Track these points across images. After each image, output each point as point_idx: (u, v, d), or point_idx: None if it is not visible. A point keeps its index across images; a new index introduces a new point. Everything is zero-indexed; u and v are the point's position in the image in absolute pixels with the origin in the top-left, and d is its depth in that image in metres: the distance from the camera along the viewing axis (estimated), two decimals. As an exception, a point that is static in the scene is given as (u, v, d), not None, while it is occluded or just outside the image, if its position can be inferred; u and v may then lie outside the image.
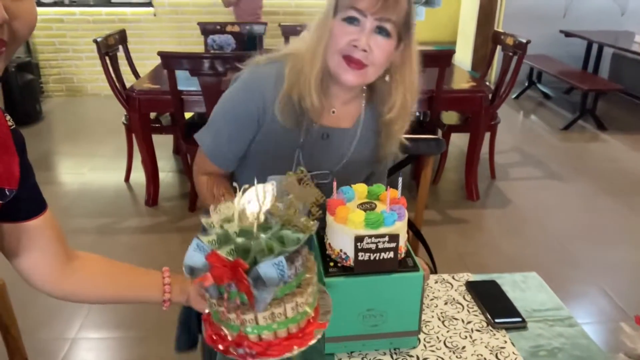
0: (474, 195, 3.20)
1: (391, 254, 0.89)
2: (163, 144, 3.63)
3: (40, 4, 5.08)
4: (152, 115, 3.22)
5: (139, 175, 3.36)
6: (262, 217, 0.71)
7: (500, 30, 3.96)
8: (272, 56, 1.15)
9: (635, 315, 0.88)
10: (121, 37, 3.36)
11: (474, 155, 3.12)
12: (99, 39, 2.98)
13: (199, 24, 3.86)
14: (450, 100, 3.01)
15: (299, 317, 0.72)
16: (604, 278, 2.47)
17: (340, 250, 0.91)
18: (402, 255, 0.93)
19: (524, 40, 3.10)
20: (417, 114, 3.54)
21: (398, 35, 1.05)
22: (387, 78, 1.12)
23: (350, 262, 0.90)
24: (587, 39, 5.13)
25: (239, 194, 0.73)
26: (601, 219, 3.05)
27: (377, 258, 0.89)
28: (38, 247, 0.83)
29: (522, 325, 1.04)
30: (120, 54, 3.35)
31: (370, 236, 0.87)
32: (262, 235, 0.69)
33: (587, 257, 2.66)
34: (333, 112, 1.16)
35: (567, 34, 5.26)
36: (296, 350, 0.72)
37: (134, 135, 3.16)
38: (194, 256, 0.71)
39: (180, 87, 2.73)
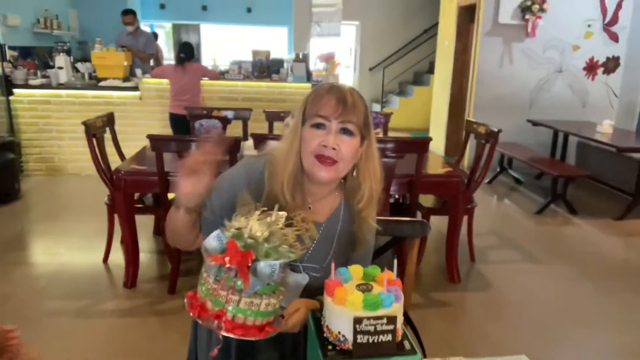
0: (456, 278, 3.22)
1: (389, 337, 0.90)
2: (143, 225, 3.60)
3: (27, 86, 5.21)
4: (135, 196, 3.23)
5: (117, 256, 3.30)
6: (266, 233, 0.94)
7: (471, 119, 4.20)
8: (261, 153, 1.33)
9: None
10: (109, 119, 3.44)
11: (454, 238, 3.18)
12: (87, 121, 3.04)
13: (185, 108, 3.99)
14: (429, 184, 3.11)
15: (266, 314, 0.94)
16: (588, 362, 2.47)
17: (339, 333, 0.92)
18: (399, 338, 0.94)
19: (496, 129, 3.28)
20: (397, 196, 3.65)
21: (360, 134, 1.21)
22: (354, 173, 1.25)
23: (349, 345, 0.91)
24: (553, 128, 5.45)
25: (257, 212, 0.98)
26: (580, 302, 3.09)
27: (375, 341, 0.90)
28: None
29: (517, 410, 1.04)
30: (106, 135, 3.42)
31: (369, 318, 0.89)
32: (265, 244, 0.93)
33: (570, 340, 2.66)
34: (309, 207, 1.27)
35: (534, 123, 5.59)
36: (251, 337, 0.92)
37: (115, 216, 3.16)
38: (213, 242, 0.96)
39: (166, 169, 2.78)
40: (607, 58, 5.99)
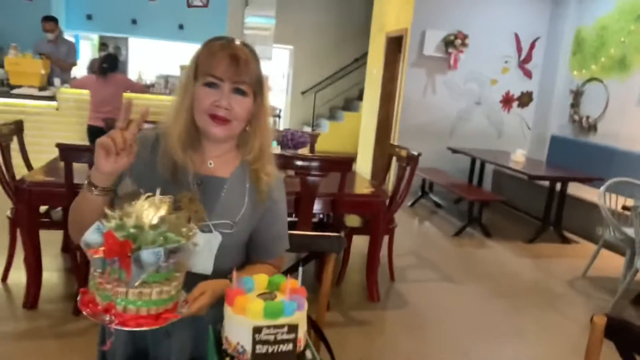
0: (375, 296, 3.25)
1: (290, 346, 0.88)
2: (50, 241, 3.36)
3: None
4: (42, 209, 3.02)
5: (18, 274, 3.05)
6: (155, 220, 0.90)
7: (395, 143, 4.34)
8: (153, 126, 1.29)
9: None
10: (17, 128, 3.22)
11: (375, 257, 3.22)
12: (-9, 128, 2.83)
13: (104, 120, 3.82)
14: (352, 203, 3.15)
15: (160, 302, 0.91)
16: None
17: (238, 344, 0.88)
18: (301, 348, 0.92)
19: (416, 153, 3.40)
20: (321, 215, 3.66)
21: (253, 93, 1.21)
22: (247, 128, 1.26)
23: (247, 357, 0.87)
24: (471, 156, 5.73)
25: (142, 198, 0.94)
26: (492, 319, 3.21)
27: (275, 351, 0.87)
28: None
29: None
30: (15, 145, 3.19)
31: (269, 327, 0.86)
32: (151, 232, 0.89)
33: (482, 355, 2.75)
34: (210, 164, 1.26)
35: (454, 151, 5.85)
36: (146, 327, 0.90)
37: (18, 231, 2.92)
38: (93, 234, 0.92)
39: (76, 181, 2.61)
40: (522, 92, 6.43)
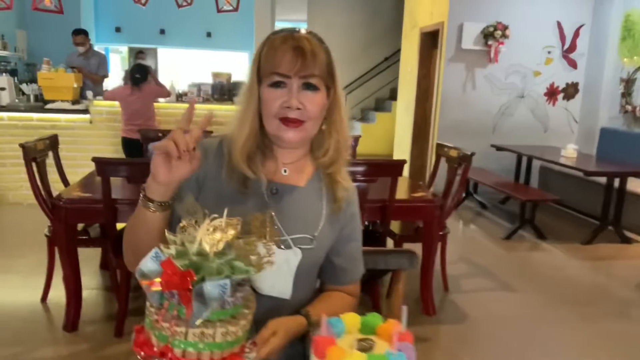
0: (431, 310, 3.02)
1: (400, 412, 0.68)
2: (89, 257, 3.26)
3: (-36, 108, 4.79)
4: (79, 225, 2.91)
5: (58, 294, 2.94)
6: (220, 246, 0.76)
7: (441, 142, 4.09)
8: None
9: None
10: (52, 143, 3.12)
11: (429, 267, 2.99)
12: (26, 143, 2.73)
13: (139, 131, 3.71)
14: (403, 209, 2.93)
15: (225, 345, 0.76)
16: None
17: (333, 408, 0.69)
18: (412, 411, 0.72)
19: (468, 152, 3.17)
20: (366, 223, 3.46)
21: (326, 86, 1.06)
22: (323, 127, 1.10)
23: None
24: (517, 153, 5.43)
25: (206, 220, 0.79)
26: (554, 330, 2.94)
27: (382, 418, 0.67)
28: None
29: None
30: (50, 161, 3.09)
31: (374, 389, 0.66)
32: (216, 260, 0.75)
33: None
34: (285, 171, 1.12)
35: (498, 148, 5.56)
36: None
37: (56, 249, 2.82)
38: (149, 263, 0.77)
39: (113, 196, 2.48)
40: (567, 84, 6.09)
